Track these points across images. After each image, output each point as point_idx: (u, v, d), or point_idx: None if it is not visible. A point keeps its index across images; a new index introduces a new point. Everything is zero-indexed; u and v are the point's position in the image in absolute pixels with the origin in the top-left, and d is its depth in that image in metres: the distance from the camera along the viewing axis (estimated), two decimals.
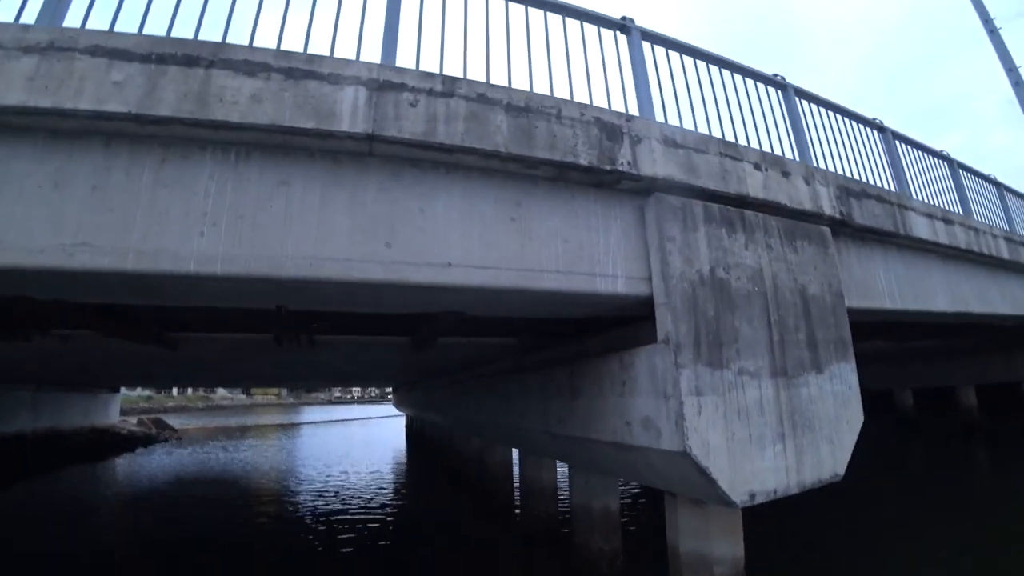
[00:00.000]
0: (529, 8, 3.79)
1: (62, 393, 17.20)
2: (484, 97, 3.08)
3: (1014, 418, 15.30)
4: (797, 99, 5.17)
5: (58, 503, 10.53)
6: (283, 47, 2.91)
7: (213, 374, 13.21)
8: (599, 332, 4.64)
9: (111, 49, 2.52)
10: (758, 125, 4.68)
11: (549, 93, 3.48)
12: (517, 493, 8.41)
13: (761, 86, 4.93)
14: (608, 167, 3.32)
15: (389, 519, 8.99)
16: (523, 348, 6.48)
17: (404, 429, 26.90)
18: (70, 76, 2.43)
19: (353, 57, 3.01)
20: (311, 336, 5.62)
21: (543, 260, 3.19)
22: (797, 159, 4.80)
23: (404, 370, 12.04)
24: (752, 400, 3.39)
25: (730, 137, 4.33)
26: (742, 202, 3.88)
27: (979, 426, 15.79)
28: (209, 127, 2.59)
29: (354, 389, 76.03)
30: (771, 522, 5.03)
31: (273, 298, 3.30)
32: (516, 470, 8.60)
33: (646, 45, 4.23)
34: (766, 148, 4.52)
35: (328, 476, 13.58)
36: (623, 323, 4.16)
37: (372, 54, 3.14)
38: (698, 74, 4.47)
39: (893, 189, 5.78)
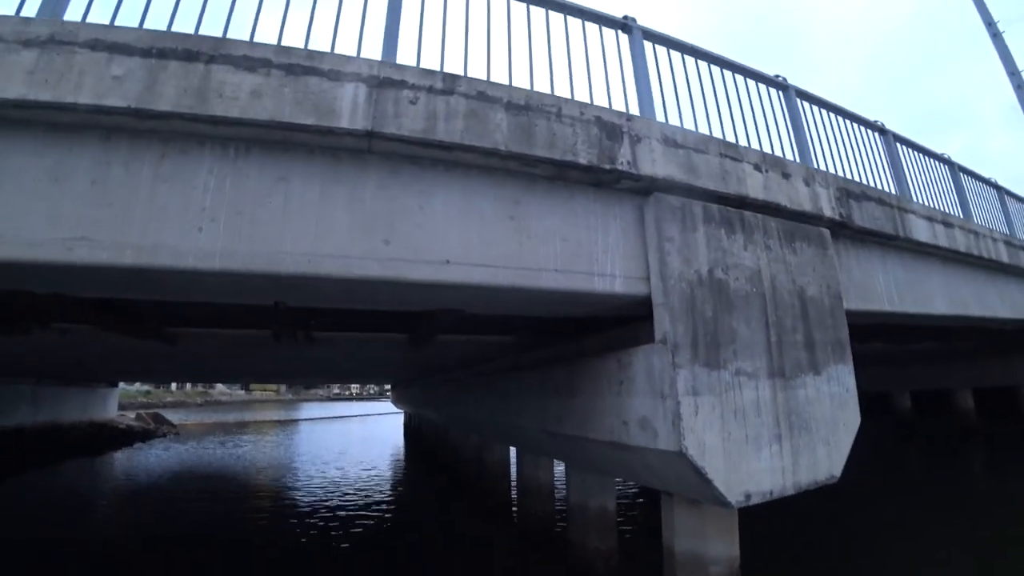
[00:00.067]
0: (531, 6, 3.79)
1: (61, 387, 17.22)
2: (484, 95, 3.08)
3: (1011, 422, 15.29)
4: (798, 100, 5.17)
5: (57, 497, 10.54)
6: (284, 43, 2.91)
7: (212, 370, 13.21)
8: (597, 331, 4.65)
9: (111, 43, 2.51)
10: (759, 126, 4.68)
11: (550, 92, 3.48)
12: (515, 491, 8.42)
13: (762, 87, 4.94)
14: (607, 166, 3.32)
15: (386, 516, 9.00)
16: (521, 347, 6.48)
17: (402, 426, 26.90)
18: (70, 70, 2.43)
19: (354, 54, 3.01)
20: (309, 332, 5.61)
21: (541, 259, 3.19)
22: (798, 160, 4.80)
23: (402, 367, 12.04)
24: (749, 401, 3.39)
25: (731, 138, 4.34)
26: (742, 203, 3.88)
27: (976, 430, 15.80)
28: (209, 122, 2.59)
29: (353, 386, 76.12)
30: (768, 522, 5.05)
31: (271, 294, 3.30)
32: (514, 469, 8.61)
33: (647, 44, 4.24)
34: (767, 149, 4.52)
35: (326, 473, 13.59)
36: (621, 323, 4.16)
37: (373, 51, 3.15)
38: (699, 74, 4.47)
39: (893, 191, 5.79)
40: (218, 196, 2.63)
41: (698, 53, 4.52)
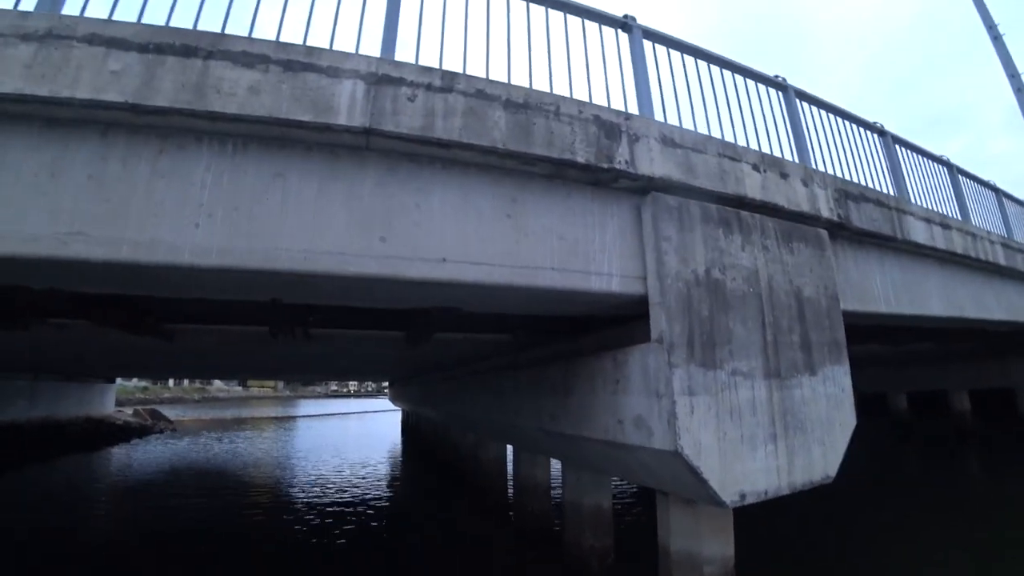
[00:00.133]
0: (530, 4, 3.79)
1: (59, 382, 17.19)
2: (483, 93, 3.08)
3: (1007, 424, 15.34)
4: (797, 101, 5.17)
5: (55, 492, 10.54)
6: (282, 39, 2.90)
7: (209, 366, 13.21)
8: (594, 330, 4.65)
9: (109, 38, 2.51)
10: (758, 126, 4.68)
11: (548, 90, 3.48)
12: (511, 489, 8.43)
13: (762, 87, 4.93)
14: (605, 165, 3.32)
15: (383, 513, 9.01)
16: (518, 345, 6.48)
17: (400, 424, 26.91)
18: (67, 64, 2.43)
19: (352, 50, 3.00)
20: (306, 329, 5.61)
21: (538, 257, 3.19)
22: (796, 161, 4.80)
23: (400, 365, 12.05)
24: (745, 401, 3.40)
25: (729, 137, 4.33)
26: (739, 203, 3.88)
27: (972, 431, 15.85)
28: (206, 118, 2.58)
29: (350, 383, 76.06)
30: (764, 523, 5.06)
31: (269, 291, 3.30)
32: (510, 467, 8.62)
33: (647, 44, 4.23)
34: (765, 149, 4.52)
35: (323, 469, 13.60)
36: (618, 322, 4.17)
37: (372, 48, 3.14)
38: (699, 74, 4.47)
39: (892, 193, 5.79)
40: (215, 192, 2.63)
41: (698, 53, 4.52)
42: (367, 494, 10.44)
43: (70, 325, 5.06)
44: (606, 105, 3.67)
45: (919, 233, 5.36)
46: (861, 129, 5.84)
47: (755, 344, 3.57)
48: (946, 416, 16.58)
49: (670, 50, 4.35)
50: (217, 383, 59.90)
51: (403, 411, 25.72)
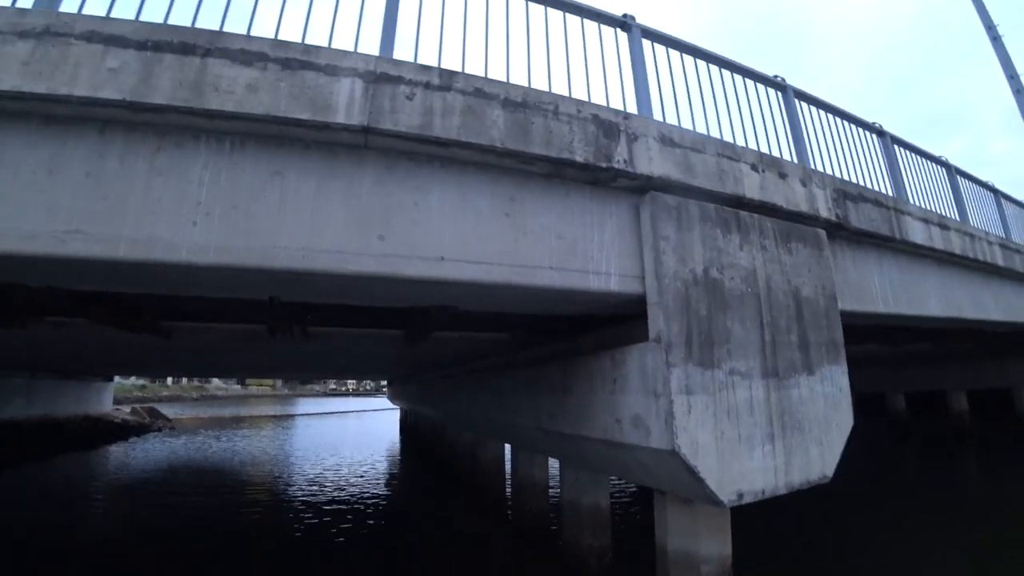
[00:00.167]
0: (529, 3, 3.78)
1: (56, 380, 17.17)
2: (481, 91, 3.08)
3: (1005, 424, 15.37)
4: (797, 101, 5.17)
5: (53, 490, 10.53)
6: (281, 37, 2.90)
7: (207, 364, 13.18)
8: (592, 329, 4.65)
9: (107, 35, 2.50)
10: (756, 126, 4.68)
11: (547, 89, 3.48)
12: (509, 488, 8.43)
13: (761, 87, 4.93)
14: (604, 164, 3.32)
15: (382, 512, 9.02)
16: (516, 344, 6.48)
17: (398, 422, 26.91)
18: (65, 62, 2.42)
19: (351, 48, 3.00)
20: (305, 328, 5.61)
21: (536, 256, 3.19)
22: (795, 161, 4.80)
23: (398, 363, 12.04)
24: (742, 400, 3.40)
25: (728, 137, 4.33)
26: (738, 203, 3.88)
27: (970, 431, 15.88)
28: (204, 116, 2.58)
29: (349, 382, 76.09)
30: (761, 522, 5.06)
31: (266, 289, 3.30)
32: (508, 466, 8.62)
33: (646, 43, 4.23)
34: (764, 149, 4.52)
35: (321, 468, 13.60)
36: (616, 321, 4.17)
37: (370, 46, 3.14)
38: (698, 73, 4.47)
39: (890, 193, 5.80)
40: (213, 190, 2.62)
41: (697, 52, 4.52)
42: (365, 492, 10.45)
43: (68, 323, 5.06)
44: (605, 104, 3.67)
45: (917, 233, 5.37)
46: (860, 129, 5.84)
47: (753, 344, 3.58)
48: (944, 416, 16.61)
49: (669, 50, 4.35)
50: (215, 381, 59.86)
51: (401, 410, 25.71)
